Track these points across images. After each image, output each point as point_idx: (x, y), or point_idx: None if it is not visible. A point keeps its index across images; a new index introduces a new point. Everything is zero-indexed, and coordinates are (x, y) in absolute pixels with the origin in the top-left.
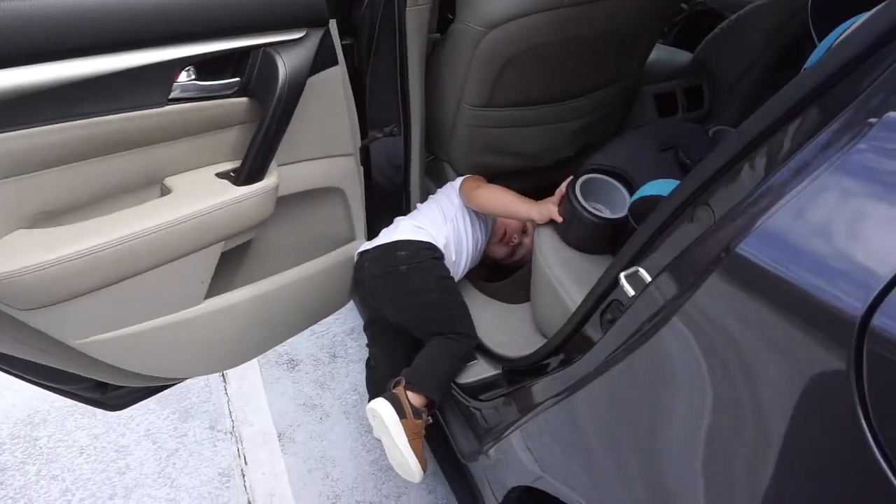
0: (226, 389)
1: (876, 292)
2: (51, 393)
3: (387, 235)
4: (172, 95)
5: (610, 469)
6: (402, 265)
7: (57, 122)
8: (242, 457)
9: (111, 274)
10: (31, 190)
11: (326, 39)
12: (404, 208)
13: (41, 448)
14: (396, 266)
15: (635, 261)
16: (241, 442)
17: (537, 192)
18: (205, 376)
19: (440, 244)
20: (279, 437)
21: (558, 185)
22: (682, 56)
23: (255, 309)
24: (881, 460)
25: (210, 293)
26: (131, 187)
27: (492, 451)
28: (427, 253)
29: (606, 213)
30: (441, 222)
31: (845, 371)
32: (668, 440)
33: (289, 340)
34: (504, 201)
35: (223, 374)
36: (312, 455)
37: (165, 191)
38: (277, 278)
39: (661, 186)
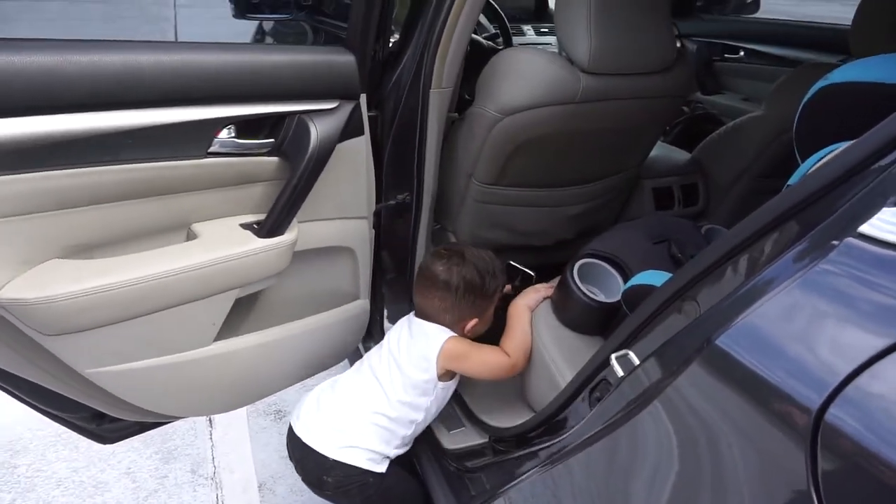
0: (211, 434)
1: (829, 390)
2: (33, 422)
3: (319, 425)
4: (211, 149)
5: None
6: (328, 490)
7: (103, 165)
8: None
9: (132, 309)
10: (69, 224)
11: (356, 111)
12: (408, 273)
13: (19, 477)
14: (320, 486)
15: (626, 344)
16: (221, 489)
17: (534, 271)
18: (192, 419)
19: (381, 463)
20: (259, 487)
21: (554, 264)
22: (681, 155)
23: (259, 356)
24: None
25: (219, 336)
26: (161, 230)
27: None
28: (358, 479)
29: (601, 297)
30: (399, 428)
31: (803, 456)
32: None
33: (278, 392)
34: (498, 356)
35: (210, 419)
36: None
37: (192, 235)
38: (283, 328)
39: (653, 277)
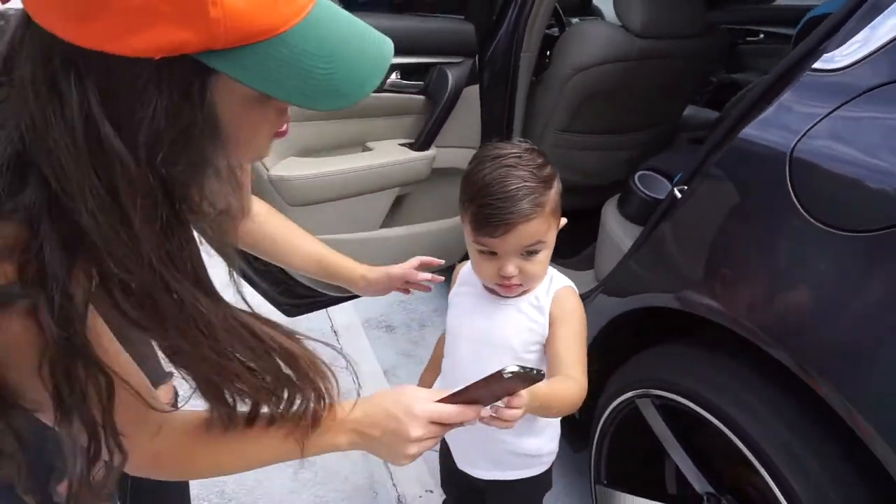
0: (337, 339)
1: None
2: None
3: None
4: (385, 87)
5: None
6: None
7: None
8: (357, 383)
9: (336, 192)
10: (302, 133)
11: (474, 65)
12: None
13: None
14: None
15: None
16: (355, 375)
17: (584, 213)
18: (318, 329)
19: None
20: (385, 373)
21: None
22: (712, 114)
23: (403, 244)
24: None
25: (383, 225)
26: (349, 143)
27: None
28: None
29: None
30: None
31: (784, 178)
32: None
33: (384, 311)
34: None
35: (334, 330)
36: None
37: (367, 149)
38: (420, 226)
39: None
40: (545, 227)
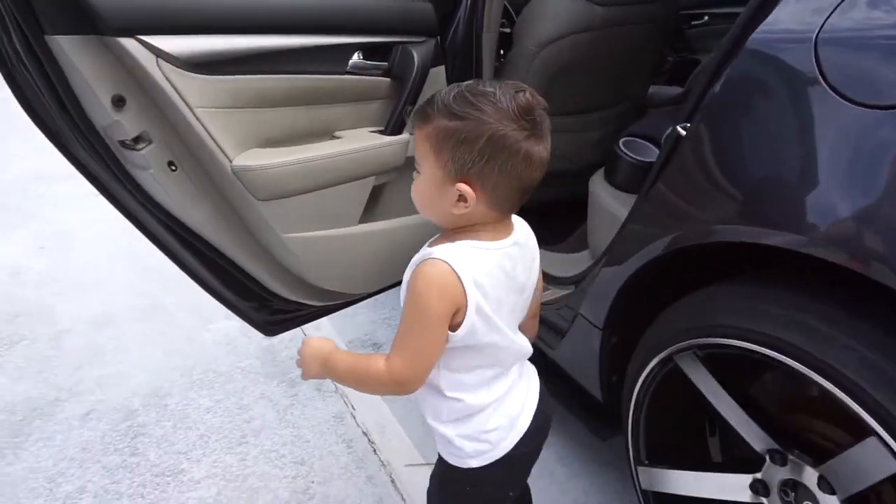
0: None
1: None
2: (168, 374)
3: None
4: (348, 69)
5: None
6: None
7: (284, 74)
8: (350, 405)
9: (315, 181)
10: (262, 121)
11: (437, 45)
12: None
13: (172, 410)
14: None
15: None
16: (346, 397)
17: (557, 203)
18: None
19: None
20: None
21: (577, 196)
22: (676, 90)
23: (383, 240)
24: None
25: (361, 220)
26: (316, 133)
27: None
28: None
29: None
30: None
31: (811, 59)
32: None
33: (367, 329)
34: None
35: None
36: (410, 400)
37: (335, 139)
38: (398, 220)
39: None
40: (420, 147)
